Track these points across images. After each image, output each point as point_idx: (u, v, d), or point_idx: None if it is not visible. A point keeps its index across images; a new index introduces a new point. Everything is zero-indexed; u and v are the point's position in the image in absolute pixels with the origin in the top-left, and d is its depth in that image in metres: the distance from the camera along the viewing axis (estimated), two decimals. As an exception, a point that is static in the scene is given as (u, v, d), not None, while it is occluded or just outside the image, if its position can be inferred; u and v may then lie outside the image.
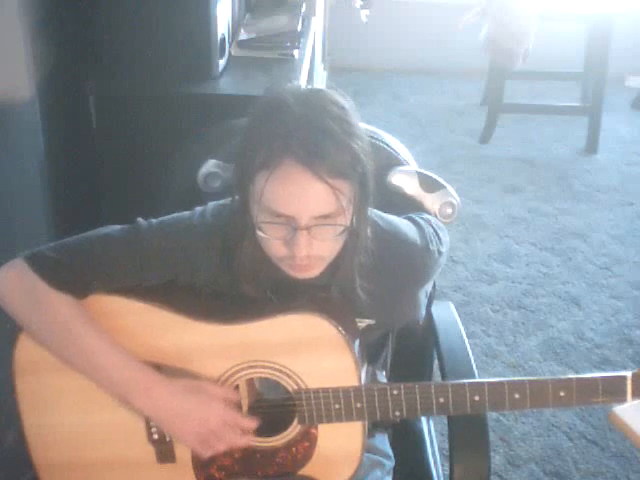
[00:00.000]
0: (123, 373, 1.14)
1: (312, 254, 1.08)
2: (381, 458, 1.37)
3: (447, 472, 1.30)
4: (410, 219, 1.27)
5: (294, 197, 1.04)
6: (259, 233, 1.09)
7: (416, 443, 1.54)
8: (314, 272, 1.12)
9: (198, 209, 1.22)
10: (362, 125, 1.11)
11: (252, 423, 1.19)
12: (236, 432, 1.17)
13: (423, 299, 1.29)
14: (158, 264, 1.17)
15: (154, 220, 1.20)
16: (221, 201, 1.22)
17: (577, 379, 1.14)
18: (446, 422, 1.38)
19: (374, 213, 1.21)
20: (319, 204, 1.05)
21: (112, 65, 2.00)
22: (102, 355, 1.14)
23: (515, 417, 2.28)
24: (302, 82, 2.16)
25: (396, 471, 1.38)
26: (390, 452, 1.40)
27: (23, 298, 1.15)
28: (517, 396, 1.15)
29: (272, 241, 1.09)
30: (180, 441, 1.20)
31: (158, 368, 1.18)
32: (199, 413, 1.15)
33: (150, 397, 1.14)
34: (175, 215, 1.22)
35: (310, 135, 1.02)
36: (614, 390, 1.14)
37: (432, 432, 1.60)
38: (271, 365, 1.18)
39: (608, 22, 3.74)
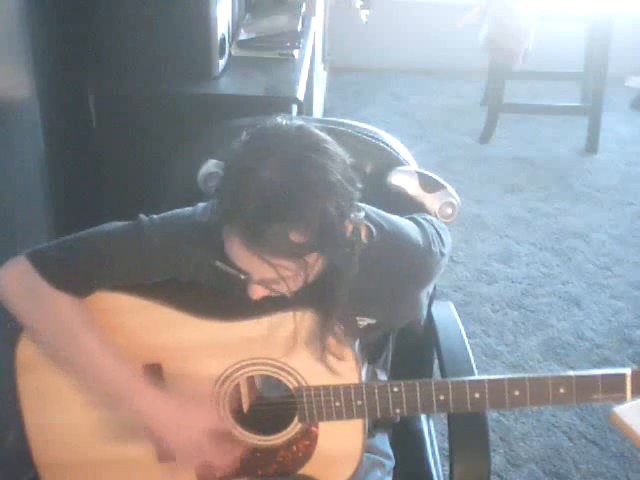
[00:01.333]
0: (117, 376, 1.14)
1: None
2: (381, 458, 1.37)
3: (447, 472, 1.30)
4: (413, 220, 1.26)
5: (241, 262, 1.06)
6: None
7: (416, 443, 1.54)
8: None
9: (200, 205, 1.21)
10: (344, 161, 1.05)
11: (234, 447, 1.21)
12: (219, 449, 1.18)
13: (424, 300, 1.29)
14: (160, 263, 1.18)
15: (156, 216, 1.20)
16: None
17: (577, 376, 1.15)
18: (446, 422, 1.38)
19: (376, 213, 1.21)
20: (265, 274, 1.05)
21: (112, 65, 2.01)
22: (99, 356, 1.14)
23: (515, 417, 2.28)
24: (301, 86, 2.14)
25: (396, 471, 1.38)
26: (390, 452, 1.40)
27: (25, 296, 1.15)
28: (517, 393, 1.15)
29: None
30: (167, 446, 1.20)
31: (159, 366, 1.18)
32: (183, 426, 1.15)
33: (140, 402, 1.15)
34: (177, 212, 1.22)
35: (261, 214, 0.98)
36: (614, 387, 1.14)
37: (432, 432, 1.60)
38: (272, 362, 1.18)
39: (608, 22, 3.74)
